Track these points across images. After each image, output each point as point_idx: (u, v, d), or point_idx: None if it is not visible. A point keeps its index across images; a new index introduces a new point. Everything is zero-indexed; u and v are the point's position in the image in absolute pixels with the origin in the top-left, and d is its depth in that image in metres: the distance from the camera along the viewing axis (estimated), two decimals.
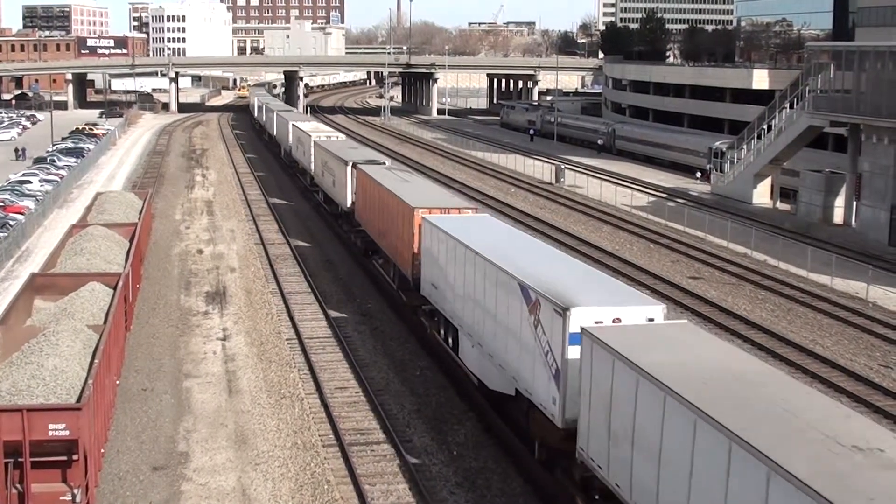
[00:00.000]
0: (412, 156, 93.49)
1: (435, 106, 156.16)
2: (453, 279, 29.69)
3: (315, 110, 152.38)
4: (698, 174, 76.63)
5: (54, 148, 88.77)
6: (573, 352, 20.67)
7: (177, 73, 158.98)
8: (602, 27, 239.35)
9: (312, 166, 62.90)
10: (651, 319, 21.38)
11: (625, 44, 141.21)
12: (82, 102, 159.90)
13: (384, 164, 49.91)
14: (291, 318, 37.71)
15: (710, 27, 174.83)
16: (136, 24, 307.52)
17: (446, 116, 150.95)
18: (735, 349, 20.09)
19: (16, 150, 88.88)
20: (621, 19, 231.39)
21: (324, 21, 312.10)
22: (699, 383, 16.53)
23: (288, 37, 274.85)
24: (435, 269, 31.90)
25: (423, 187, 43.15)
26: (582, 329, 20.20)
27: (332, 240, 53.33)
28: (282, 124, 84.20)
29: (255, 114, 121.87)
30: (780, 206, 64.92)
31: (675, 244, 52.25)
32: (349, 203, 48.70)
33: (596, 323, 20.52)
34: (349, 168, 48.54)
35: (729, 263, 47.66)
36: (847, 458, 13.74)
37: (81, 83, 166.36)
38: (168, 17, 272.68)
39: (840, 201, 59.11)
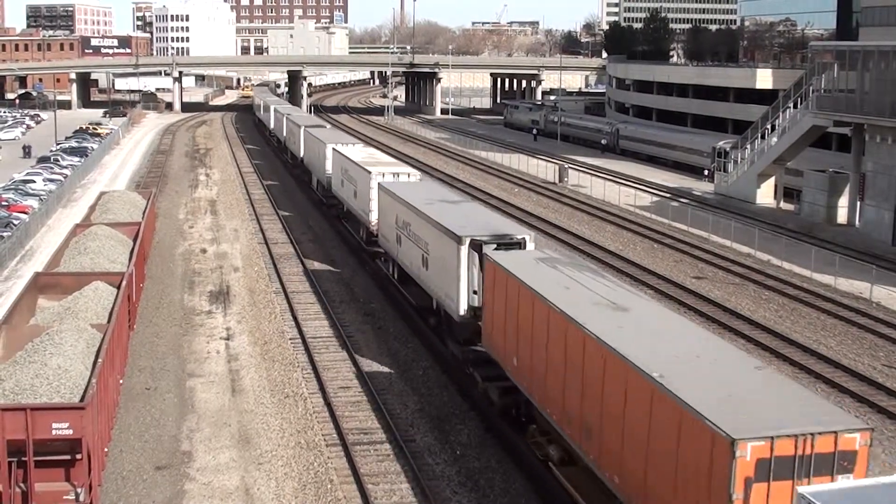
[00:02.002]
0: (416, 155, 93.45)
1: (438, 105, 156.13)
2: None
3: (319, 109, 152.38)
4: (706, 172, 76.85)
5: (58, 147, 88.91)
6: None
7: (180, 73, 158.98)
8: (605, 27, 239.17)
9: (372, 217, 43.51)
10: None
11: (628, 43, 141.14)
12: (86, 102, 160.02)
13: (525, 240, 29.78)
14: (295, 318, 37.71)
15: (713, 27, 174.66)
16: (139, 23, 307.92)
17: (450, 116, 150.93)
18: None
19: (24, 148, 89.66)
20: (625, 19, 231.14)
21: (327, 20, 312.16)
22: None
23: (291, 36, 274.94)
24: None
25: (670, 325, 21.06)
26: None
27: (335, 238, 53.33)
28: (314, 145, 63.58)
29: (272, 126, 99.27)
30: (784, 205, 64.83)
31: (679, 244, 52.20)
32: (463, 308, 29.33)
33: None
34: (464, 249, 29.11)
35: (732, 263, 47.62)
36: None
37: (85, 82, 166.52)
38: (172, 16, 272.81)
39: (844, 201, 59.03)
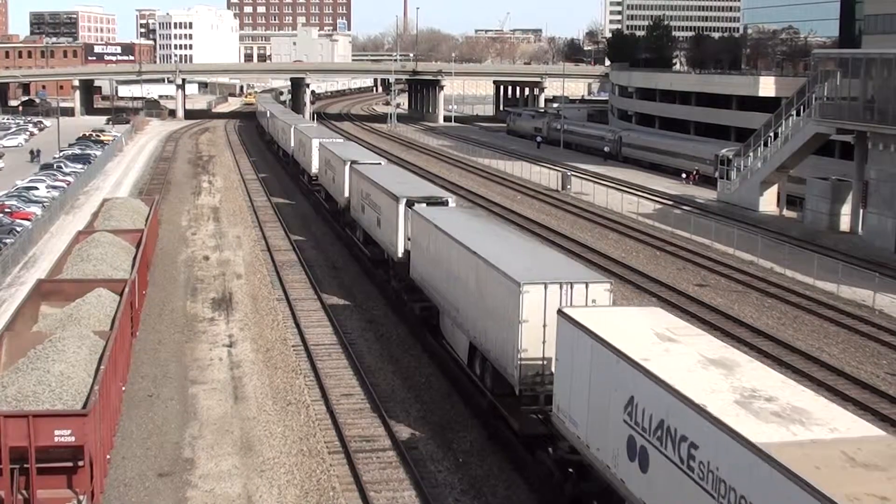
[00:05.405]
0: (418, 162, 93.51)
1: (441, 113, 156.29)
2: None
3: (321, 117, 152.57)
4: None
5: (61, 154, 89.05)
6: None
7: (183, 80, 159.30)
8: (608, 34, 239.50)
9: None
10: None
11: (631, 51, 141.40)
12: (89, 109, 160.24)
13: None
14: (297, 325, 37.71)
15: (716, 34, 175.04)
16: (142, 30, 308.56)
17: (453, 123, 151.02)
18: None
19: (31, 152, 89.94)
20: (628, 26, 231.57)
21: (330, 28, 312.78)
22: None
23: (295, 44, 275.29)
24: None
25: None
26: None
27: (337, 244, 53.33)
28: (430, 241, 32.93)
29: (312, 168, 67.11)
30: (787, 213, 64.83)
31: (682, 251, 52.19)
32: None
33: None
34: None
35: (735, 271, 47.60)
36: None
37: (88, 89, 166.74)
38: (175, 23, 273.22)
39: (846, 209, 59.02)
